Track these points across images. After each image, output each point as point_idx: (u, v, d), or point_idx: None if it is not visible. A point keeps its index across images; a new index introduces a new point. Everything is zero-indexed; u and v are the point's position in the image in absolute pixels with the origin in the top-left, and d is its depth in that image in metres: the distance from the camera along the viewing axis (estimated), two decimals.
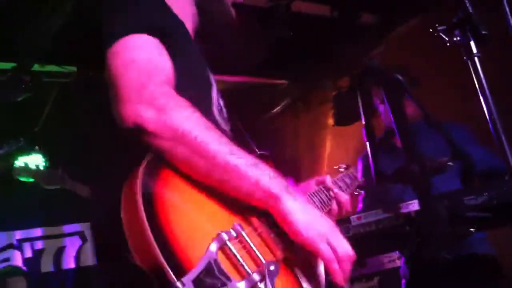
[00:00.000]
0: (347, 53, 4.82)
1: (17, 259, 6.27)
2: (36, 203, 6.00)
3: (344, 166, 2.58)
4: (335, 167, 2.47)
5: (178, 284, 1.22)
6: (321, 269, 1.69)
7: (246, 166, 1.48)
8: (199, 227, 1.39)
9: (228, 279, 1.31)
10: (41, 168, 5.61)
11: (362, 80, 3.17)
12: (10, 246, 6.29)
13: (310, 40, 4.95)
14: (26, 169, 5.46)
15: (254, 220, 1.56)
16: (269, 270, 1.41)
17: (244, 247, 1.44)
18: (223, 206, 1.50)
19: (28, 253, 6.40)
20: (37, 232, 6.57)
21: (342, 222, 3.02)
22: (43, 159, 5.80)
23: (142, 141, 1.44)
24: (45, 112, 4.91)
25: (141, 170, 1.35)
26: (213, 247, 1.34)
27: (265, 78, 6.07)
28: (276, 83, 6.19)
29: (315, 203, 2.10)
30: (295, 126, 6.34)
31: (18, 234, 6.39)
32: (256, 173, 1.49)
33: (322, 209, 2.13)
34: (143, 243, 1.26)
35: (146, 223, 1.26)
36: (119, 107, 1.44)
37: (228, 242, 1.38)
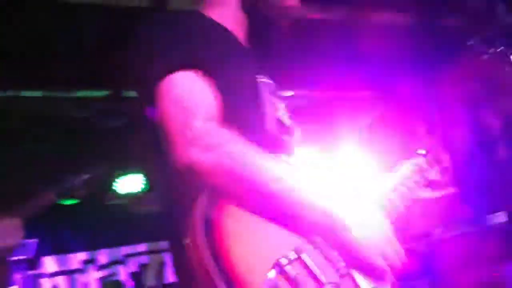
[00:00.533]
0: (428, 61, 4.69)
1: (122, 274, 6.62)
2: (139, 218, 6.25)
3: (422, 151, 2.39)
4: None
5: None
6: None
7: (293, 191, 1.49)
8: (258, 252, 1.41)
9: None
10: (139, 190, 5.91)
11: (439, 90, 3.09)
12: (116, 262, 6.64)
13: (391, 50, 4.86)
14: (117, 196, 5.77)
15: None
16: None
17: (305, 268, 1.44)
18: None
19: (133, 268, 6.72)
20: (142, 247, 6.87)
21: (423, 237, 2.94)
22: (143, 179, 6.09)
23: (194, 180, 1.49)
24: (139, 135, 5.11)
25: (201, 198, 1.42)
26: (272, 274, 1.36)
27: (351, 91, 6.03)
28: (364, 95, 6.12)
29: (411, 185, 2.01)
30: (385, 136, 6.22)
31: (124, 250, 6.75)
32: (305, 197, 1.50)
33: (417, 188, 2.05)
34: (203, 273, 1.32)
35: (206, 252, 1.32)
36: (171, 150, 1.50)
37: (287, 268, 1.39)
